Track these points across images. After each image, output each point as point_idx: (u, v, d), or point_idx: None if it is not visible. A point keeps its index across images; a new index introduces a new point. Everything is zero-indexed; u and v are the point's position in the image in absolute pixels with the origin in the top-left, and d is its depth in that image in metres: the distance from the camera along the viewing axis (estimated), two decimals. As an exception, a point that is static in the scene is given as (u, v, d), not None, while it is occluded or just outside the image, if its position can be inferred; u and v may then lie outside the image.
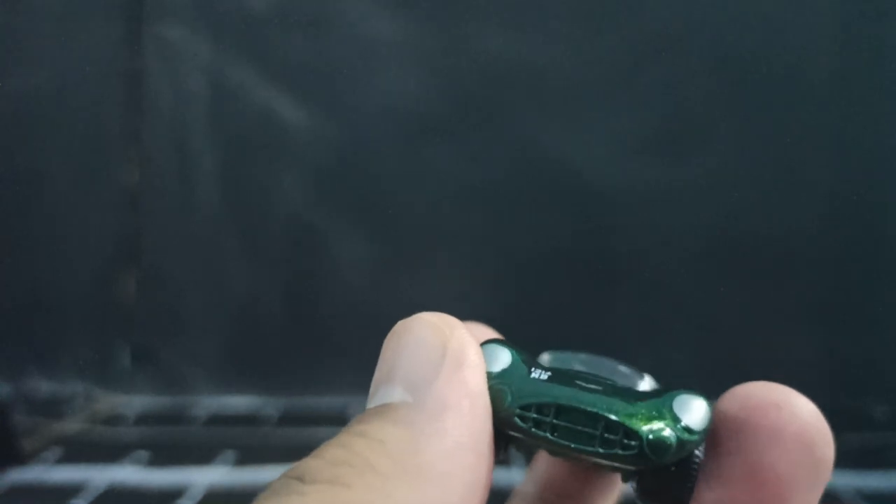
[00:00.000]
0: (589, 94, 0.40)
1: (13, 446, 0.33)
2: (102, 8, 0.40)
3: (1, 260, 0.37)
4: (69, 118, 0.39)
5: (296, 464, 0.10)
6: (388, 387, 0.11)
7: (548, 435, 0.10)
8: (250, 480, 0.31)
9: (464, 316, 0.14)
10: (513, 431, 0.11)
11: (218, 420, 0.38)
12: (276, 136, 0.40)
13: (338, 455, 0.10)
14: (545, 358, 0.13)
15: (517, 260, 0.40)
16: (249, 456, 0.33)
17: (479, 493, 0.10)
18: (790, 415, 0.11)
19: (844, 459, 0.34)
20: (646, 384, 0.12)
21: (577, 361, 0.12)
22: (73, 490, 0.30)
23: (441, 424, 0.10)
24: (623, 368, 0.13)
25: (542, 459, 0.16)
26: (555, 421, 0.10)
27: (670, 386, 0.11)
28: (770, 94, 0.39)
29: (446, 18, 0.39)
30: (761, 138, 0.39)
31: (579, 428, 0.10)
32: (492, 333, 0.16)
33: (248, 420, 0.38)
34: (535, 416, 0.11)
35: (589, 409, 0.10)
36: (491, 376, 0.11)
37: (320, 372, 0.40)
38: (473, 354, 0.11)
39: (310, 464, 0.10)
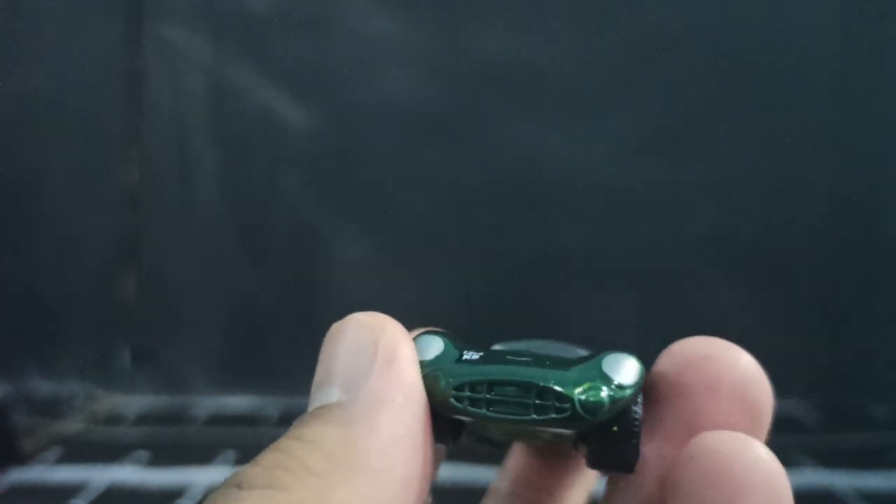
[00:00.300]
0: (589, 94, 0.40)
1: (13, 446, 0.33)
2: (102, 8, 0.40)
3: (1, 260, 0.38)
4: (69, 118, 0.39)
5: (235, 472, 0.10)
6: (325, 388, 0.11)
7: (485, 411, 0.11)
8: (250, 480, 0.31)
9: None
10: (451, 413, 0.11)
11: (218, 420, 0.38)
12: (276, 136, 0.40)
13: (275, 459, 0.10)
14: (496, 347, 0.13)
15: (517, 260, 0.40)
16: (249, 456, 0.33)
17: (417, 485, 0.10)
18: (724, 365, 0.11)
19: (844, 459, 0.34)
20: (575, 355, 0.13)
21: (528, 347, 0.12)
22: (73, 490, 0.30)
23: (374, 420, 0.10)
24: (574, 349, 0.13)
25: (515, 455, 0.16)
26: (488, 396, 0.11)
27: (599, 350, 0.11)
28: (770, 94, 0.39)
29: (446, 18, 0.39)
30: (761, 138, 0.39)
31: (513, 399, 0.11)
32: None
33: (248, 420, 0.38)
34: (469, 394, 0.11)
35: (519, 379, 0.11)
36: (424, 364, 0.11)
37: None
38: (405, 349, 0.11)
39: (248, 471, 0.10)
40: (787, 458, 0.32)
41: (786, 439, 0.34)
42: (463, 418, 0.11)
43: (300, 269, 0.41)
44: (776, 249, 0.39)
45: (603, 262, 0.40)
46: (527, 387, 0.11)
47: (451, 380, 0.11)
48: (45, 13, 0.38)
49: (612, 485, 0.13)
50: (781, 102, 0.39)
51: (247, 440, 0.35)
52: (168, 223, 0.41)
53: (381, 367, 0.11)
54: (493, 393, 0.11)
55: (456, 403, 0.11)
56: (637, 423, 0.11)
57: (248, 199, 0.41)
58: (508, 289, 0.39)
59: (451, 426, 0.12)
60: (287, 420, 0.41)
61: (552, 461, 0.15)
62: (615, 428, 0.11)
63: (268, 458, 0.10)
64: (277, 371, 0.41)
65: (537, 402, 0.11)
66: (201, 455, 0.33)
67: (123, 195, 0.40)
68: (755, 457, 0.10)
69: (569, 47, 0.39)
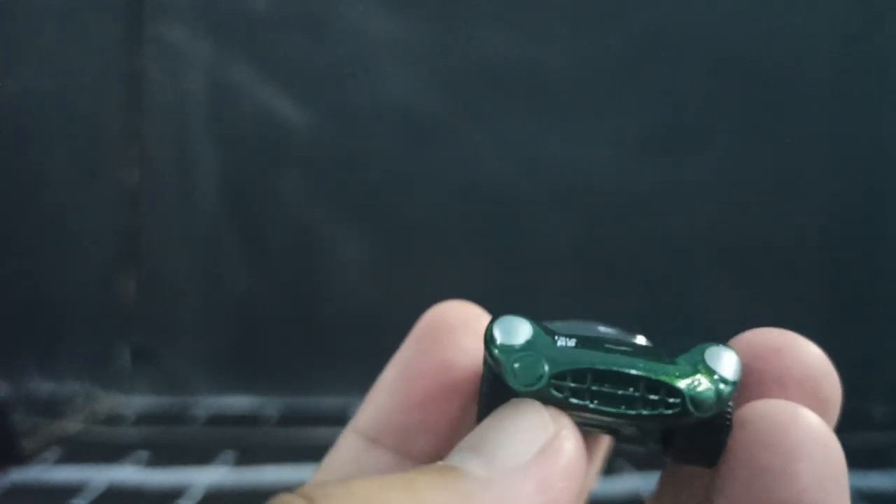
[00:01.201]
0: (589, 94, 0.40)
1: (13, 446, 0.33)
2: (102, 8, 0.40)
3: (1, 260, 0.37)
4: (69, 118, 0.39)
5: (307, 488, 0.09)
6: (465, 453, 0.10)
7: (588, 403, 0.10)
8: (250, 480, 0.31)
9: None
10: (547, 403, 0.10)
11: (218, 420, 0.38)
12: (276, 136, 0.40)
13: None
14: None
15: (517, 259, 0.40)
16: (249, 456, 0.33)
17: None
18: (793, 359, 0.11)
19: (845, 459, 0.33)
20: (643, 343, 0.12)
21: (575, 328, 0.11)
22: (73, 490, 0.30)
23: (499, 499, 0.09)
24: (614, 330, 0.12)
25: None
26: (594, 388, 0.10)
27: (692, 342, 0.11)
28: (770, 95, 0.39)
29: (446, 19, 0.39)
30: (761, 138, 0.39)
31: (619, 392, 0.10)
32: None
33: (248, 420, 0.38)
34: (572, 385, 0.10)
35: (627, 371, 0.10)
36: (515, 349, 0.10)
37: (320, 372, 0.40)
38: (578, 450, 0.10)
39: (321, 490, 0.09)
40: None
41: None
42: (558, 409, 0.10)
43: (300, 270, 0.41)
44: (776, 249, 0.39)
45: (603, 261, 0.40)
46: (634, 379, 0.10)
47: (550, 367, 0.10)
48: (45, 13, 0.38)
49: (669, 476, 0.13)
50: (781, 103, 0.39)
51: (247, 440, 0.35)
52: (168, 223, 0.41)
53: (542, 457, 0.09)
54: (598, 384, 0.10)
55: (555, 393, 0.10)
56: (730, 418, 0.10)
57: (248, 199, 0.41)
58: (508, 289, 0.39)
59: None
60: (287, 420, 0.41)
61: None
62: (706, 425, 0.10)
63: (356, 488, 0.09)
64: (277, 371, 0.41)
65: (647, 395, 0.10)
66: (201, 455, 0.33)
67: (123, 195, 0.40)
68: (809, 422, 0.10)
69: (569, 47, 0.39)
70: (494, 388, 0.11)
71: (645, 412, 0.10)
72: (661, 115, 0.39)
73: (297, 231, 0.40)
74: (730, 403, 0.10)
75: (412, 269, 0.40)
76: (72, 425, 0.37)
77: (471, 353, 0.13)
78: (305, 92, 0.40)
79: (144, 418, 0.38)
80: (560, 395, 0.10)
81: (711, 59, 0.39)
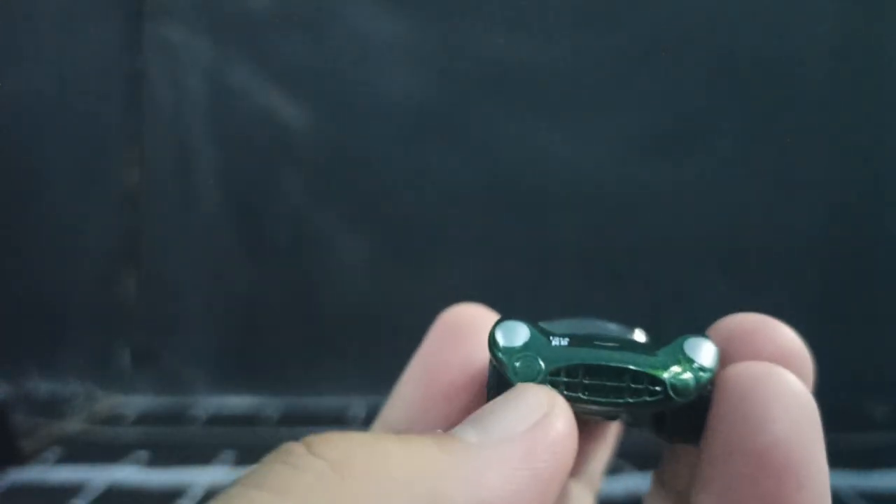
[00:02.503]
0: (589, 94, 0.40)
1: (13, 446, 0.33)
2: (102, 8, 0.40)
3: (1, 260, 0.37)
4: (69, 118, 0.39)
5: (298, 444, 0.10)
6: (467, 425, 0.11)
7: (580, 395, 0.11)
8: (250, 480, 0.31)
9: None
10: None
11: (218, 420, 0.38)
12: (276, 136, 0.40)
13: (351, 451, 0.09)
14: (544, 325, 0.13)
15: (517, 259, 0.40)
16: (249, 456, 0.33)
17: None
18: (766, 339, 0.12)
19: (844, 459, 0.34)
20: (641, 337, 0.13)
21: (574, 326, 0.13)
22: (73, 490, 0.30)
23: (485, 465, 0.10)
24: (615, 326, 0.14)
25: None
26: (585, 381, 0.11)
27: (675, 334, 0.12)
28: (770, 94, 0.39)
29: (446, 18, 0.39)
30: (761, 138, 0.39)
31: (607, 383, 0.11)
32: None
33: (248, 420, 0.38)
34: (565, 379, 0.11)
35: (614, 364, 0.11)
36: (516, 350, 0.12)
37: (320, 372, 0.40)
38: (570, 426, 0.11)
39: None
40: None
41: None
42: None
43: (300, 269, 0.41)
44: (776, 249, 0.39)
45: (603, 261, 0.40)
46: (620, 372, 0.11)
47: (546, 364, 0.11)
48: (45, 13, 0.38)
49: (671, 454, 0.14)
50: (781, 102, 0.39)
51: (247, 440, 0.35)
52: (168, 223, 0.41)
53: (532, 431, 0.10)
54: (588, 378, 0.11)
55: (551, 387, 0.11)
56: (709, 400, 0.12)
57: (248, 199, 0.41)
58: (509, 288, 0.39)
59: None
60: (287, 420, 0.41)
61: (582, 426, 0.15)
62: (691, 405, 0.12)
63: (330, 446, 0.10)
64: (277, 371, 0.41)
65: (632, 385, 0.11)
66: (201, 455, 0.33)
67: (123, 195, 0.41)
68: (782, 373, 0.11)
69: (569, 47, 0.39)
70: (499, 383, 0.12)
71: (631, 400, 0.11)
72: (661, 115, 0.39)
73: (297, 231, 0.40)
74: (709, 388, 0.12)
75: (412, 269, 0.40)
76: (72, 425, 0.37)
77: (486, 351, 0.14)
78: (305, 92, 0.40)
79: (144, 418, 0.38)
80: (555, 389, 0.11)
81: (712, 59, 0.39)
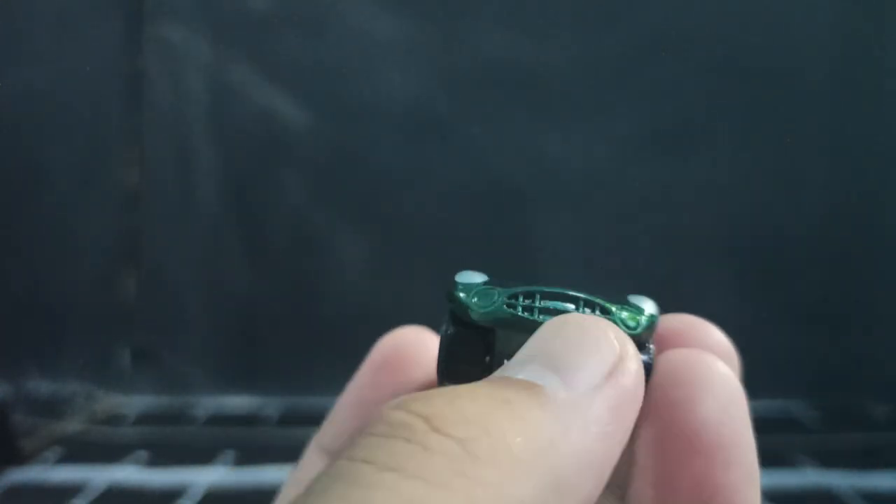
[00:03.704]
0: (589, 93, 0.40)
1: (13, 446, 0.33)
2: (102, 8, 0.40)
3: (1, 260, 0.37)
4: (69, 118, 0.39)
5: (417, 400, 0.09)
6: (542, 369, 0.10)
7: (536, 317, 0.11)
8: (250, 480, 0.31)
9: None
10: (501, 319, 0.11)
11: (218, 420, 0.38)
12: (277, 136, 0.40)
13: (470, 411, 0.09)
14: None
15: (517, 258, 0.40)
16: (249, 456, 0.33)
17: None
18: (697, 339, 0.13)
19: (844, 459, 0.33)
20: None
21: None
22: (73, 490, 0.30)
23: (594, 419, 0.09)
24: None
25: None
26: (541, 304, 0.11)
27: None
28: (770, 95, 0.39)
29: (446, 19, 0.39)
30: (761, 138, 0.39)
31: (561, 307, 0.11)
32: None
33: (248, 420, 0.38)
34: (523, 303, 0.12)
35: (569, 292, 0.12)
36: (474, 285, 0.12)
37: (320, 372, 0.40)
38: (639, 365, 0.10)
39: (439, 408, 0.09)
40: (787, 458, 0.33)
41: (786, 439, 0.34)
42: (504, 331, 0.12)
43: (300, 270, 0.41)
44: (776, 249, 0.39)
45: (603, 261, 0.40)
46: (573, 298, 0.12)
47: (504, 290, 0.12)
48: (45, 13, 0.38)
49: None
50: (781, 102, 0.39)
51: (247, 440, 0.35)
52: (168, 223, 0.41)
53: (613, 379, 0.10)
54: (544, 302, 0.11)
55: (509, 310, 0.11)
56: (650, 363, 0.12)
57: (249, 198, 0.41)
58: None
59: (482, 343, 0.12)
60: (287, 420, 0.41)
61: None
62: None
63: (464, 407, 0.09)
64: (277, 371, 0.41)
65: (584, 310, 0.11)
66: (201, 455, 0.33)
67: (123, 195, 0.41)
68: (708, 359, 0.11)
69: (569, 47, 0.39)
70: (454, 339, 0.12)
71: None
72: (661, 115, 0.39)
73: (297, 231, 0.40)
74: (651, 347, 0.12)
75: (412, 269, 0.40)
76: (72, 425, 0.37)
77: (420, 381, 0.14)
78: (305, 92, 0.40)
79: (144, 418, 0.38)
80: (511, 311, 0.11)
81: (712, 59, 0.39)
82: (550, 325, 0.11)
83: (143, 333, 0.41)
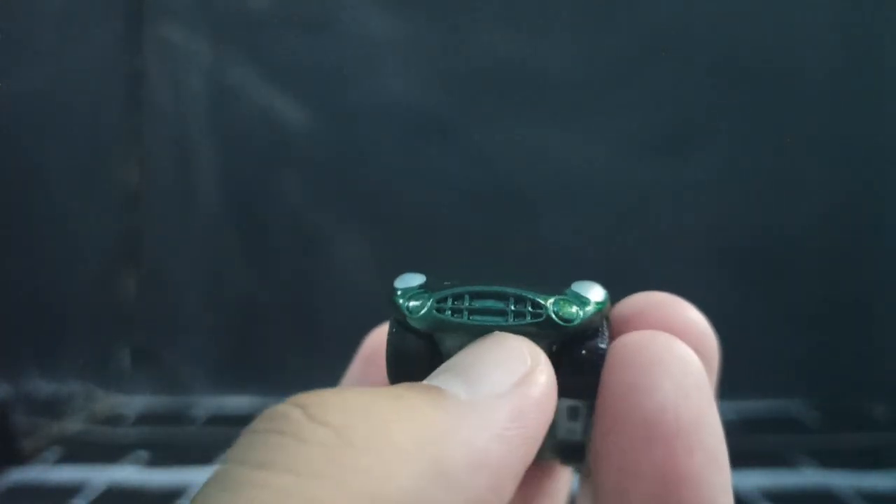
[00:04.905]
0: (589, 93, 0.40)
1: (13, 446, 0.33)
2: (102, 8, 0.40)
3: (1, 260, 0.37)
4: (69, 118, 0.39)
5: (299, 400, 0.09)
6: (451, 377, 0.10)
7: (465, 320, 0.11)
8: (250, 480, 0.31)
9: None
10: (433, 325, 0.12)
11: (218, 420, 0.38)
12: (276, 136, 0.40)
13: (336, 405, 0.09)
14: None
15: (516, 259, 0.40)
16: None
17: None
18: (673, 314, 0.12)
19: (844, 459, 0.33)
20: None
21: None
22: (73, 490, 0.30)
23: (489, 422, 0.09)
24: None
25: None
26: (470, 305, 0.11)
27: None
28: (770, 94, 0.39)
29: (446, 18, 0.39)
30: (761, 138, 0.39)
31: (491, 306, 0.11)
32: None
33: (248, 420, 0.38)
34: (451, 305, 0.12)
35: (497, 289, 0.12)
36: (408, 290, 0.12)
37: (320, 372, 0.40)
38: (551, 380, 0.11)
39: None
40: (787, 458, 0.33)
41: (786, 439, 0.34)
42: (440, 334, 0.12)
43: (300, 270, 0.41)
44: (776, 249, 0.39)
45: (602, 261, 0.40)
46: (504, 296, 0.12)
47: (435, 294, 0.12)
48: (45, 13, 0.38)
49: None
50: (781, 102, 0.39)
51: (247, 440, 0.35)
52: (168, 223, 0.41)
53: (519, 388, 0.10)
54: (473, 303, 0.11)
55: (438, 314, 0.11)
56: (603, 350, 0.12)
57: (248, 198, 0.41)
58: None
59: (424, 346, 0.12)
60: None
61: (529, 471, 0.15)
62: (584, 352, 0.12)
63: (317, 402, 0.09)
64: (277, 371, 0.41)
65: (514, 307, 0.11)
66: (201, 455, 0.33)
67: (123, 195, 0.41)
68: (666, 340, 0.11)
69: (570, 47, 0.39)
70: (398, 344, 0.12)
71: (513, 322, 0.11)
72: (661, 115, 0.39)
73: (297, 231, 0.40)
74: (602, 333, 0.12)
75: (412, 268, 0.40)
76: (72, 425, 0.37)
77: None
78: (305, 92, 0.40)
79: (144, 418, 0.38)
80: (441, 316, 0.11)
81: (712, 59, 0.39)
82: (475, 343, 0.11)
83: (142, 333, 0.41)
